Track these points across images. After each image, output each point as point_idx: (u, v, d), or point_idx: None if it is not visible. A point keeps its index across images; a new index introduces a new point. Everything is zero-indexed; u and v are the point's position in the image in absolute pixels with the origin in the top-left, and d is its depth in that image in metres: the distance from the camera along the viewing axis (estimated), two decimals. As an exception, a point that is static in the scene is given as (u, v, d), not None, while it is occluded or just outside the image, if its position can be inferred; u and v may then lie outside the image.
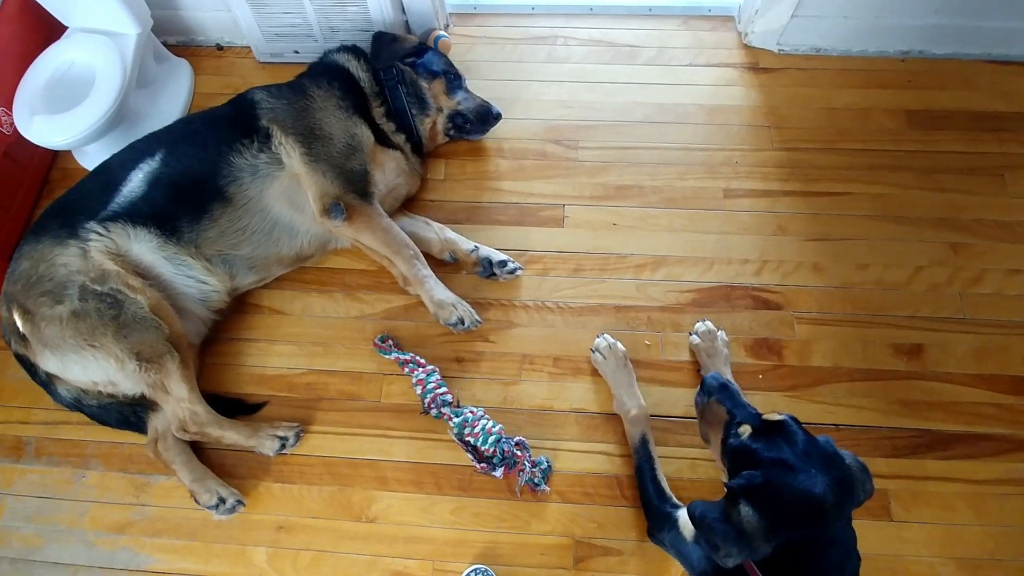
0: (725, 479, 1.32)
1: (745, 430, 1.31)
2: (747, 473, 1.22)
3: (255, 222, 1.93)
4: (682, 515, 1.55)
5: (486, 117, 2.21)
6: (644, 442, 1.75)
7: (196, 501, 1.79)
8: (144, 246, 1.84)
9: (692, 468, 1.81)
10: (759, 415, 1.36)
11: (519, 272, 2.07)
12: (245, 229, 1.92)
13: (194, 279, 1.91)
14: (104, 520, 1.86)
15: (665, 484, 1.69)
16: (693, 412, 1.86)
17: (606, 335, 1.94)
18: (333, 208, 1.92)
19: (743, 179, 2.22)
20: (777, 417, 1.30)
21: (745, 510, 1.16)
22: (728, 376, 1.77)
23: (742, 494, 1.18)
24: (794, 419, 1.29)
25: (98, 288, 1.73)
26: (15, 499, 1.90)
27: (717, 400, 1.46)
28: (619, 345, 1.91)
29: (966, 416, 1.86)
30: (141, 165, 1.89)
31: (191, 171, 1.88)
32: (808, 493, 1.16)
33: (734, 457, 1.31)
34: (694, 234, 2.13)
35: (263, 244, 1.96)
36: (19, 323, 1.76)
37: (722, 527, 1.17)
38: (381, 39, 2.15)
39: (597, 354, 1.92)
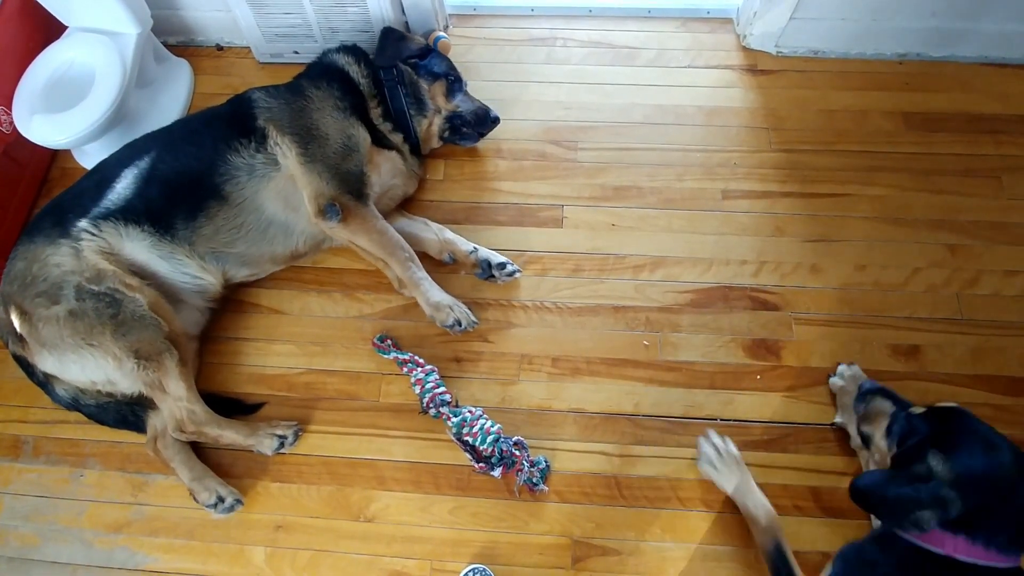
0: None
1: (916, 410, 1.34)
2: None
3: (250, 221, 1.93)
4: None
5: (484, 120, 2.21)
6: (779, 549, 1.57)
7: (195, 499, 1.78)
8: (137, 244, 1.84)
9: (691, 468, 1.80)
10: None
11: (518, 275, 2.07)
12: (240, 227, 1.92)
13: (189, 275, 1.91)
14: (102, 519, 1.85)
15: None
16: (692, 412, 1.88)
17: (712, 434, 1.78)
18: (328, 209, 1.91)
19: (741, 180, 2.22)
20: (947, 403, 1.32)
21: (932, 460, 1.17)
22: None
23: (926, 443, 1.21)
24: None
25: (95, 288, 1.73)
26: (13, 498, 1.90)
27: (881, 396, 1.51)
28: (731, 446, 1.76)
29: (963, 417, 1.85)
30: (136, 163, 1.89)
31: (187, 169, 1.88)
32: (989, 433, 1.20)
33: (903, 438, 1.32)
34: (692, 235, 2.14)
35: (258, 242, 1.96)
36: (16, 324, 1.75)
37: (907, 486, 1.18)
38: (389, 35, 2.15)
39: (707, 466, 1.75)
